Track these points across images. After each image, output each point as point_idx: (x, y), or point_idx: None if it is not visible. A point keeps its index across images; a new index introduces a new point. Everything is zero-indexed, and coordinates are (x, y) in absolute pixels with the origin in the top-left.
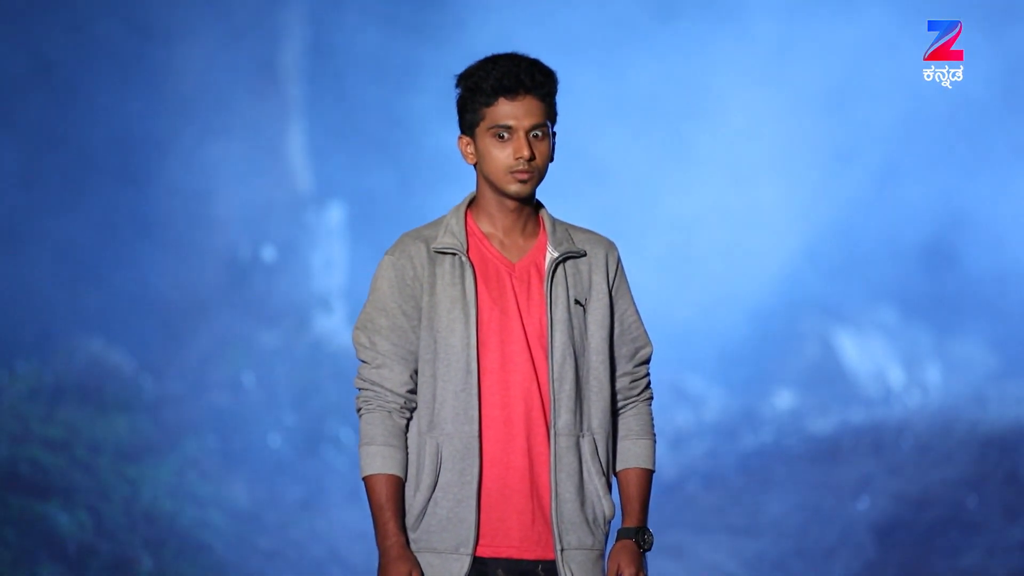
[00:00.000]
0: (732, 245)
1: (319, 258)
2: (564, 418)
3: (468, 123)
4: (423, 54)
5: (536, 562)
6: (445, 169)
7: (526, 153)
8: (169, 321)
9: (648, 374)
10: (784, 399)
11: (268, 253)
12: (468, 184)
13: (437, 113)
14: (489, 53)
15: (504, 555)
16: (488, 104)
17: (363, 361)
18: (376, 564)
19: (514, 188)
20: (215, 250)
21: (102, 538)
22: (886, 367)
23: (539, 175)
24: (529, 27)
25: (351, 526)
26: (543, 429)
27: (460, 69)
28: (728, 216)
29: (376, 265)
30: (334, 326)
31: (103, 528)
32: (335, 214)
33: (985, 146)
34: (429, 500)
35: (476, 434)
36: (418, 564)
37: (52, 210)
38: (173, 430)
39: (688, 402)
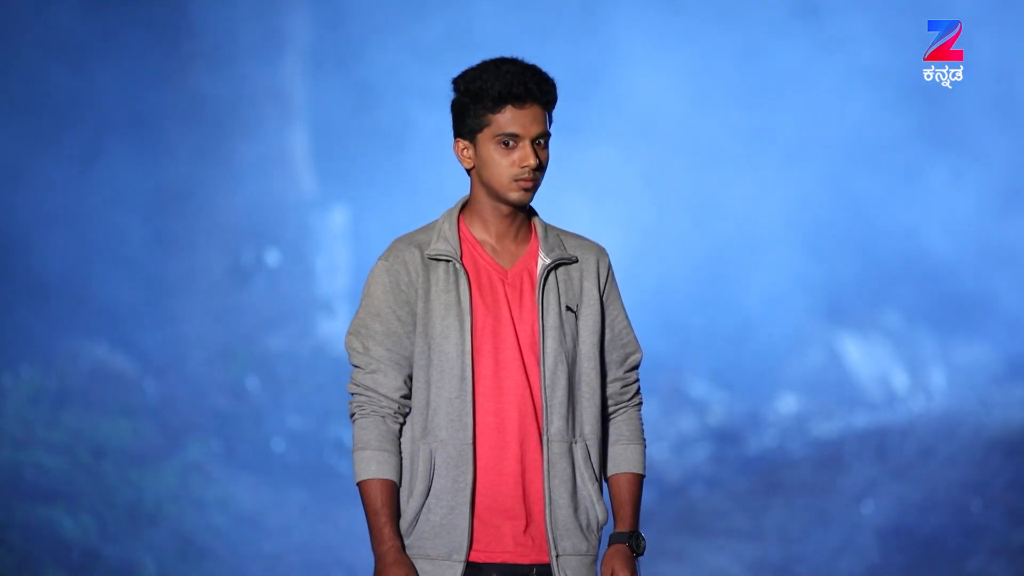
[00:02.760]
0: (734, 246)
1: (323, 261)
2: (556, 424)
3: (469, 128)
4: (426, 56)
5: (531, 566)
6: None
7: (533, 162)
8: (172, 324)
9: (638, 380)
10: (788, 403)
11: (272, 256)
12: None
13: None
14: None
15: (499, 560)
16: (495, 111)
17: (356, 366)
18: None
19: (516, 196)
20: (218, 253)
21: (106, 542)
22: (890, 371)
23: (539, 183)
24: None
25: (354, 530)
26: (536, 435)
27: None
28: (729, 217)
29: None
30: (338, 329)
31: (107, 532)
32: (339, 217)
33: (987, 147)
34: (422, 507)
35: (470, 441)
36: (414, 569)
37: (55, 213)
38: (176, 434)
39: (691, 406)
